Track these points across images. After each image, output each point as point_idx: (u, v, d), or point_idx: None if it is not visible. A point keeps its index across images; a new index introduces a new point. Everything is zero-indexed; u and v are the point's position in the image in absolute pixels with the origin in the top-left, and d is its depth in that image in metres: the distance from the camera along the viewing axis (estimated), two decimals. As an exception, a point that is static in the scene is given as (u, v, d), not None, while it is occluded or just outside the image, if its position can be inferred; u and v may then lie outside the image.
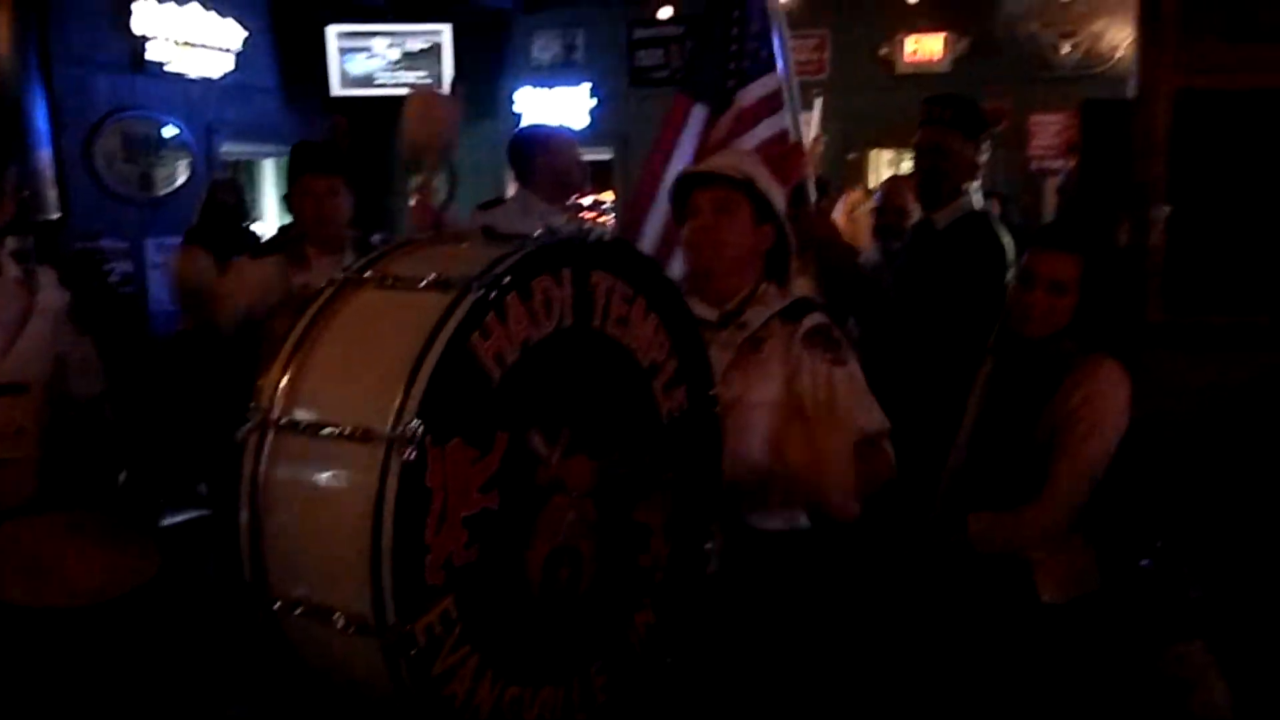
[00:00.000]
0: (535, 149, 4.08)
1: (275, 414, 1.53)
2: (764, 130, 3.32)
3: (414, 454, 1.38)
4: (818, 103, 7.52)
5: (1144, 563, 2.58)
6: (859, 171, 8.42)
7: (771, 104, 3.32)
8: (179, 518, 3.19)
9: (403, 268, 1.63)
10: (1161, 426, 2.72)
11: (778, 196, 2.40)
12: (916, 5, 7.84)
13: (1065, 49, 7.65)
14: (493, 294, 1.49)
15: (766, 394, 2.25)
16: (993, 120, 3.30)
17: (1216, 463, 2.77)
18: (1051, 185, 7.39)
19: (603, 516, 1.73)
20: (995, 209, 4.99)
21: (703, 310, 2.23)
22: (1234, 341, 2.79)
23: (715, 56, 3.35)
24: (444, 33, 9.07)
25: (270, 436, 1.52)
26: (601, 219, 9.00)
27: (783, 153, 3.18)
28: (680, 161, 3.27)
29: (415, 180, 2.79)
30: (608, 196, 9.44)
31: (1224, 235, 2.81)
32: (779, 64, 3.29)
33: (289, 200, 3.34)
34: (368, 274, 1.64)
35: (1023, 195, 7.42)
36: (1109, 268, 2.57)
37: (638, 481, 1.80)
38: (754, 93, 3.33)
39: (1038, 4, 7.67)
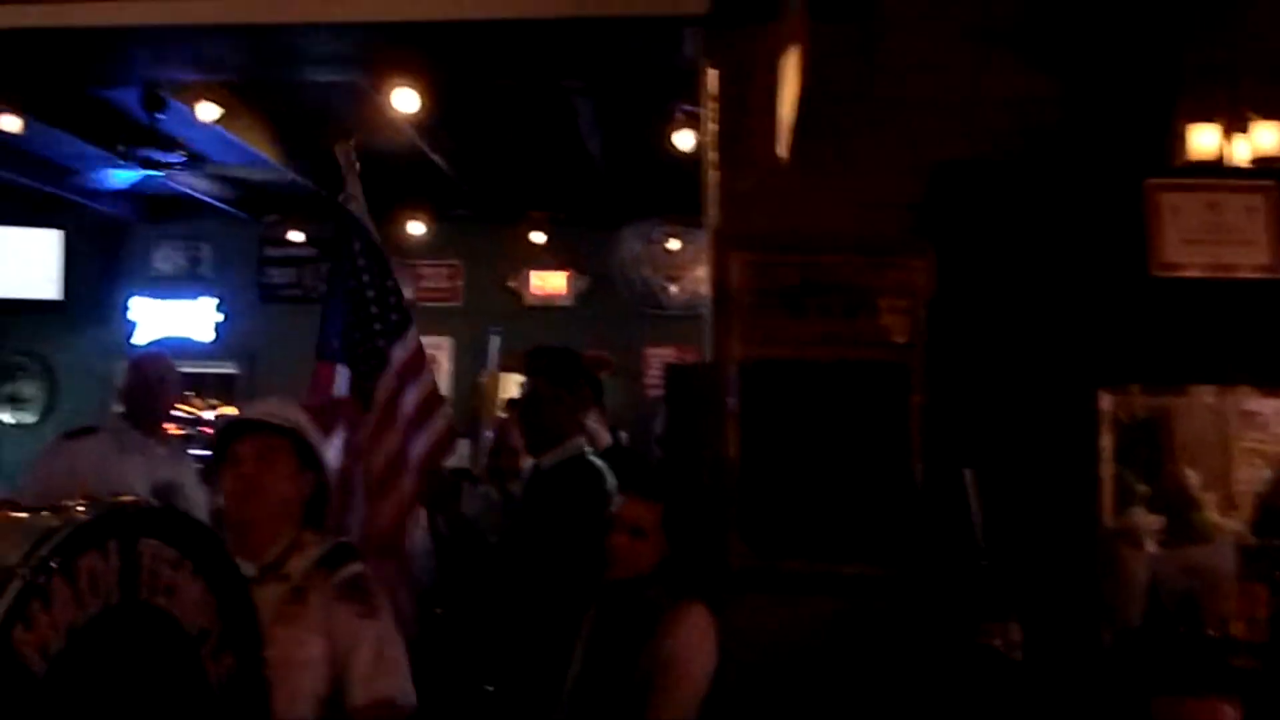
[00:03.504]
0: (126, 374, 3.90)
1: None
2: (423, 384, 3.36)
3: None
4: (494, 340, 7.82)
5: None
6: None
7: (420, 357, 3.39)
8: None
9: None
10: (751, 668, 2.90)
11: (322, 444, 2.44)
12: (542, 245, 8.40)
13: (673, 290, 8.45)
14: (40, 579, 1.37)
15: (313, 650, 2.20)
16: (593, 369, 3.56)
17: (804, 704, 2.97)
18: (664, 412, 7.96)
19: (154, 815, 1.58)
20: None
21: (241, 565, 2.18)
22: (818, 587, 3.02)
23: (339, 318, 3.38)
24: (54, 237, 8.54)
25: None
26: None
27: (427, 409, 3.25)
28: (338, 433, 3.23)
29: None
30: (230, 410, 9.05)
31: (796, 488, 3.07)
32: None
33: None
34: None
35: (638, 421, 7.92)
36: (688, 514, 2.80)
37: None
38: (411, 343, 3.39)
39: (647, 252, 8.47)
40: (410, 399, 3.32)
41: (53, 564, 1.41)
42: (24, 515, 1.62)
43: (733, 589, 2.96)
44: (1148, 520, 3.28)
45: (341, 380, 3.32)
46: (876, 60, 3.14)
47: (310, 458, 2.37)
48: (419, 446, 3.29)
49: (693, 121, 5.11)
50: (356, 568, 2.33)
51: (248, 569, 2.18)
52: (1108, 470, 2.98)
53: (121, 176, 6.40)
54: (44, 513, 1.56)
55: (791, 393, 3.09)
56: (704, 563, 2.84)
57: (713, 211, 3.23)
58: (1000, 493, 2.82)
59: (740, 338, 3.11)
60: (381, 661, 2.27)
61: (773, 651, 2.97)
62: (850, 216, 3.12)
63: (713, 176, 3.23)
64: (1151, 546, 2.99)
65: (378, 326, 3.33)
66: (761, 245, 3.14)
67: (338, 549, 2.37)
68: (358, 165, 3.40)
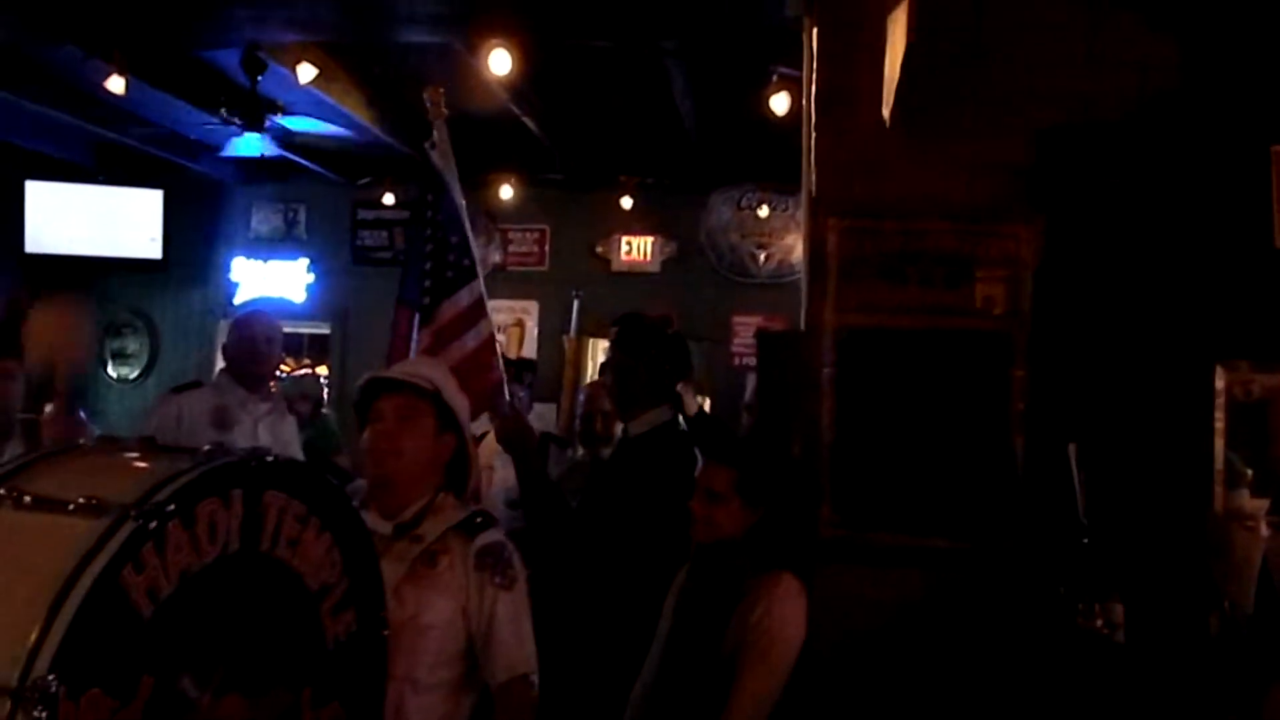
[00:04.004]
0: (230, 331, 3.98)
1: None
2: (471, 339, 3.41)
3: (44, 713, 1.21)
4: (575, 304, 7.80)
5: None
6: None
7: (476, 312, 3.43)
8: None
9: (47, 485, 1.46)
10: (839, 640, 2.86)
11: (463, 407, 2.43)
12: (630, 211, 8.35)
13: (761, 258, 8.35)
14: (152, 523, 1.37)
15: (441, 614, 2.21)
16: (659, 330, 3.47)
17: (892, 679, 2.92)
18: (753, 380, 7.90)
19: (257, 761, 1.58)
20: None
21: (376, 523, 2.17)
22: (910, 560, 2.94)
23: (416, 269, 3.45)
24: (155, 197, 8.76)
25: None
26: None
27: (474, 365, 3.27)
28: None
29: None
30: (323, 370, 9.25)
31: (889, 460, 2.99)
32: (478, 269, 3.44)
33: None
34: (1, 491, 1.45)
35: (725, 388, 7.87)
36: (768, 480, 2.76)
37: (295, 717, 1.69)
38: (462, 300, 3.43)
39: (736, 219, 8.38)
40: (459, 350, 3.37)
41: (169, 508, 1.41)
42: (152, 456, 1.64)
43: (823, 559, 2.92)
44: (1253, 504, 3.15)
45: (416, 327, 3.40)
46: (987, 18, 3.01)
47: (451, 421, 2.36)
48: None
49: (788, 85, 5.02)
50: (496, 535, 2.32)
51: (383, 527, 2.21)
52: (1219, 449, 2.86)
53: (222, 138, 6.52)
54: (172, 456, 1.57)
55: (888, 362, 3.01)
56: (793, 531, 2.81)
57: (810, 175, 3.16)
58: (1105, 469, 2.72)
59: (836, 305, 3.04)
60: (519, 635, 2.27)
61: (863, 623, 2.92)
62: (955, 182, 3.01)
63: (811, 139, 3.15)
64: (1264, 530, 2.87)
65: (428, 284, 3.38)
66: (860, 210, 3.05)
67: (475, 516, 2.36)
68: (445, 112, 3.39)
